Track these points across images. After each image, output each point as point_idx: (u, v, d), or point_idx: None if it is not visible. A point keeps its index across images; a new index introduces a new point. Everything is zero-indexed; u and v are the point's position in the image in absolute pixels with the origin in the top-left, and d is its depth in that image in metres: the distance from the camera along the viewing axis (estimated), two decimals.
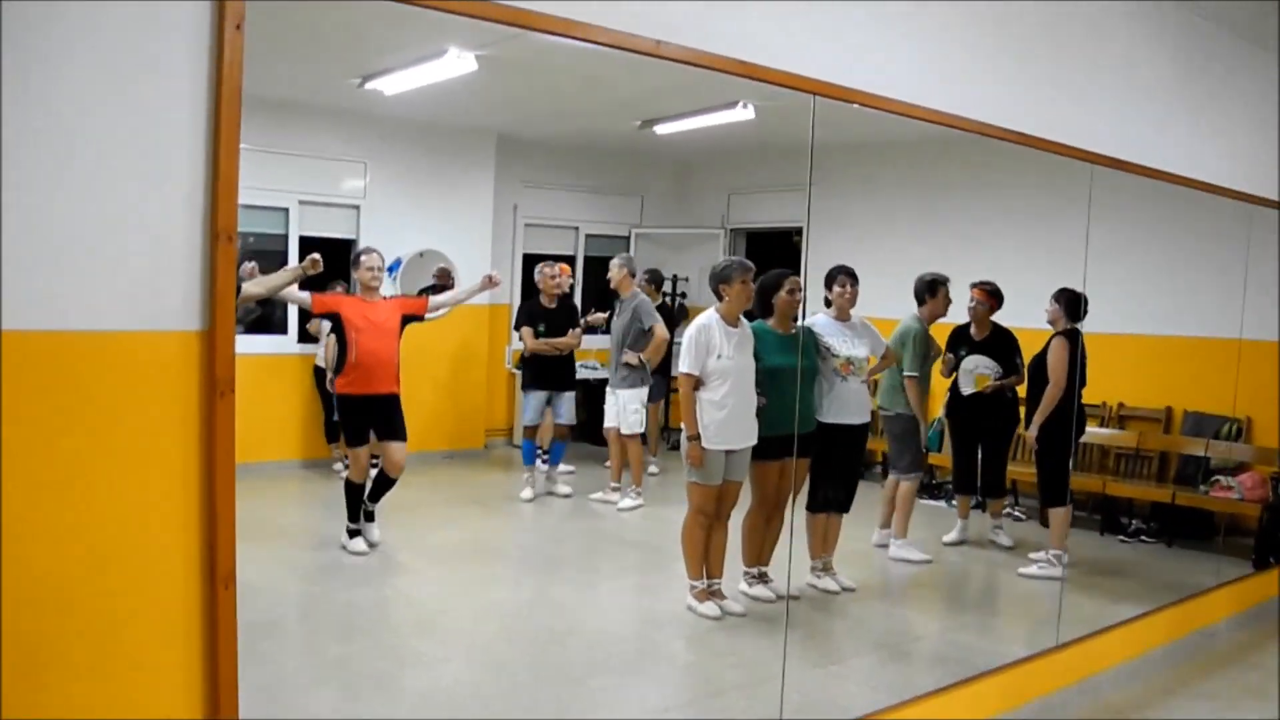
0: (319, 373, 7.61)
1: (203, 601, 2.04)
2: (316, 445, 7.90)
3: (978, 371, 6.19)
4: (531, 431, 7.34)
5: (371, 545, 5.84)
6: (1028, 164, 7.10)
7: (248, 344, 7.75)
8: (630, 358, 7.07)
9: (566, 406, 7.39)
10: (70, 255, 1.86)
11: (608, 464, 7.86)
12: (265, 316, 7.81)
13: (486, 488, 8.16)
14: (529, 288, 9.54)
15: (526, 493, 7.26)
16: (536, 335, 7.25)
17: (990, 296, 6.23)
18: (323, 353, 7.45)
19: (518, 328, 7.43)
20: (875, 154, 7.51)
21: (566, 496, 7.28)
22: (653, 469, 8.12)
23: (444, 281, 8.78)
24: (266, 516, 6.62)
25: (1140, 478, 6.99)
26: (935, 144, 7.83)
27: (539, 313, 7.39)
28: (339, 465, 7.64)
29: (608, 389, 7.30)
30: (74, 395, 1.87)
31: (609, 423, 7.26)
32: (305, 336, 7.96)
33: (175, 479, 1.97)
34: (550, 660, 4.31)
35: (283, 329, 8.07)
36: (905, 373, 5.90)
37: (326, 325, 6.88)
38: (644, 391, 7.19)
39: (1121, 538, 6.59)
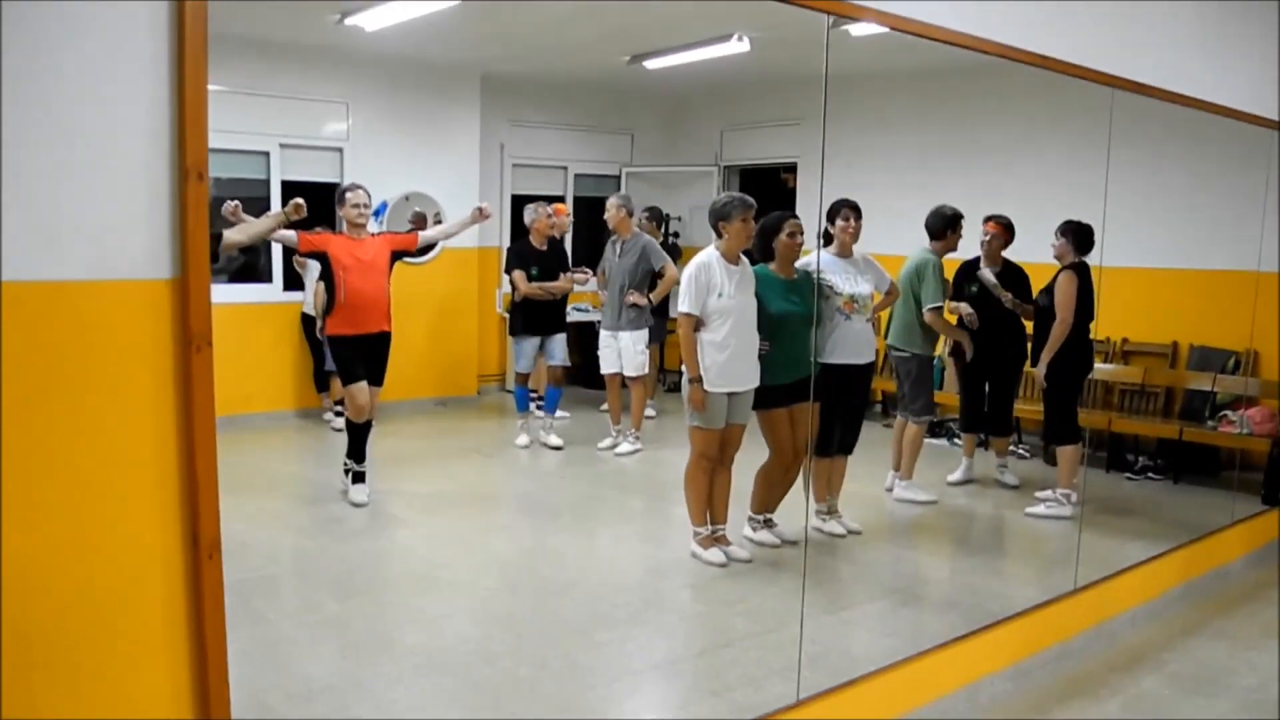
0: (307, 320, 7.41)
1: (185, 573, 1.87)
2: (308, 395, 7.74)
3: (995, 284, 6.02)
4: (524, 378, 7.14)
5: (365, 501, 5.74)
6: (1037, 93, 6.94)
7: (232, 293, 7.57)
8: (638, 299, 6.88)
9: (559, 348, 7.14)
10: (24, 198, 1.65)
11: (604, 408, 7.73)
12: (250, 264, 7.58)
13: (481, 435, 8.02)
14: (518, 229, 9.32)
15: (521, 439, 7.10)
16: (529, 279, 7.03)
17: (1005, 230, 6.07)
18: (310, 300, 7.25)
19: (508, 271, 7.15)
20: (874, 86, 7.29)
21: (557, 449, 7.06)
22: (649, 412, 7.99)
23: (420, 227, 8.55)
24: (258, 470, 6.48)
25: (1145, 414, 6.89)
26: (939, 74, 7.67)
27: (530, 255, 7.10)
28: (329, 415, 7.48)
29: (604, 331, 7.10)
30: (30, 353, 1.67)
31: (609, 367, 7.07)
32: (291, 283, 7.75)
33: (147, 441, 1.78)
34: (554, 613, 4.19)
35: (268, 277, 7.87)
36: (928, 305, 5.75)
37: (315, 270, 6.68)
38: (646, 333, 7.03)
39: (1128, 475, 6.50)
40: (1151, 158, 6.09)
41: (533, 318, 7.06)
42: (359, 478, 5.69)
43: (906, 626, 4.16)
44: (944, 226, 5.86)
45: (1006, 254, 6.07)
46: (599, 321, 7.43)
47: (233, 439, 7.64)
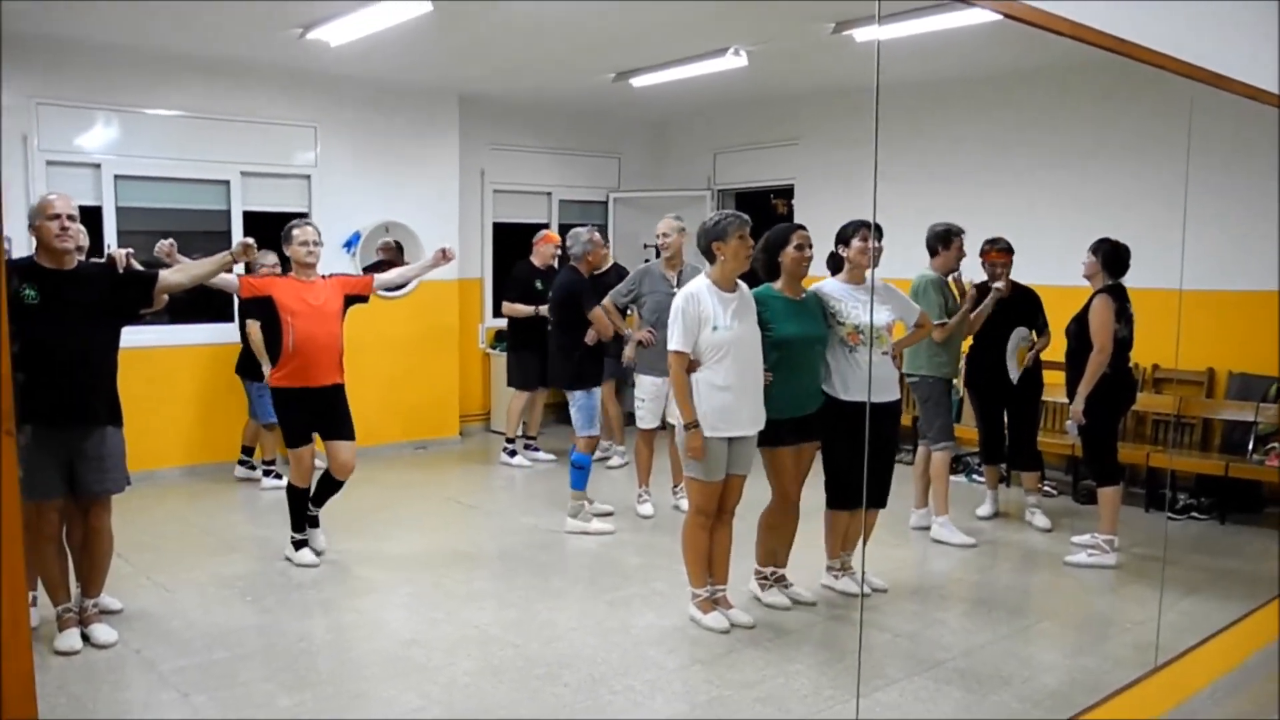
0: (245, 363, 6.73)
1: None
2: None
3: (1019, 346, 5.63)
4: (594, 444, 5.94)
5: (319, 554, 5.23)
6: (1061, 103, 6.49)
7: (177, 334, 7.04)
8: None
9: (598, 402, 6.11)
10: None
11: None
12: (192, 301, 6.87)
13: (465, 484, 7.42)
14: (500, 258, 8.76)
15: (597, 525, 5.84)
16: None
17: (1005, 254, 5.76)
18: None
19: (586, 307, 5.77)
20: (884, 99, 6.80)
21: (608, 515, 6.05)
22: (619, 460, 7.43)
23: (391, 258, 7.99)
24: (211, 529, 5.87)
25: (1182, 447, 6.37)
26: (952, 85, 7.21)
27: (594, 286, 5.97)
28: (249, 471, 6.88)
29: (652, 379, 5.94)
30: None
31: (653, 420, 6.03)
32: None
33: None
34: (546, 703, 3.60)
35: (222, 315, 7.24)
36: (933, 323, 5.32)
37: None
38: None
39: (1170, 515, 5.95)
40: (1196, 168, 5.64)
41: (600, 363, 5.96)
42: (300, 545, 5.20)
43: (953, 710, 3.58)
44: (936, 242, 5.60)
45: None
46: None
47: (182, 493, 7.04)
